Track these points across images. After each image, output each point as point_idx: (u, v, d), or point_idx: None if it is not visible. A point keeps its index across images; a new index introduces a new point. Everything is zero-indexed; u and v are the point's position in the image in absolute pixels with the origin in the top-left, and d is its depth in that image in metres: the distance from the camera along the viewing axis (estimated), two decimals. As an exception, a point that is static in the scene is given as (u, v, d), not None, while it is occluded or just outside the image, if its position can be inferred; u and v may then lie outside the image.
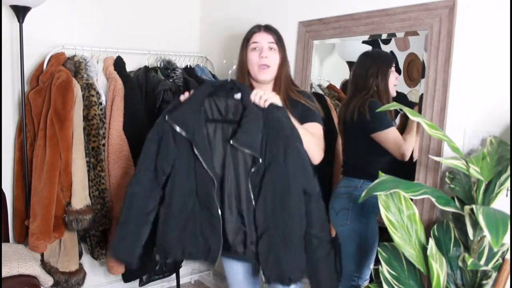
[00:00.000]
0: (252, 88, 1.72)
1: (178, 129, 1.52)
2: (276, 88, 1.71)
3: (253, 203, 1.51)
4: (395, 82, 1.88)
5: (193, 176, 1.56)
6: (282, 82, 1.70)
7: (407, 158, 1.80)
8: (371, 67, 1.90)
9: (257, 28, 1.71)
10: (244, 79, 1.72)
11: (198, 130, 1.52)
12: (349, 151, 2.03)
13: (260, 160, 1.47)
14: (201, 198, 1.56)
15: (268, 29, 1.71)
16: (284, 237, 1.50)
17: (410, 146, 1.81)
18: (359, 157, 1.96)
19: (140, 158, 1.62)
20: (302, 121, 1.63)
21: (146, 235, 1.64)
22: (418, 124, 1.51)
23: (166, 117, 1.54)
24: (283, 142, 1.47)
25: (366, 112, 1.83)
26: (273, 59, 1.68)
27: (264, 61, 1.66)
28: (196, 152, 1.51)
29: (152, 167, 1.58)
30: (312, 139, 1.58)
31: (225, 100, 1.55)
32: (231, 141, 1.47)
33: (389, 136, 1.84)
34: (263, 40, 1.68)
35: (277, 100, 1.52)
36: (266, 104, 1.49)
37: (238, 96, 1.54)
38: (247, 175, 1.51)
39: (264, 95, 1.50)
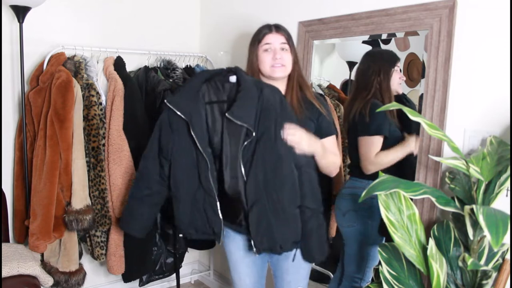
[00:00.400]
0: None
1: (176, 111, 1.61)
2: (289, 86, 1.73)
3: (244, 177, 1.57)
4: (400, 81, 1.86)
5: (194, 158, 1.65)
6: (295, 80, 1.73)
7: (367, 172, 1.80)
8: (372, 65, 1.89)
9: (268, 29, 1.71)
10: (254, 76, 1.73)
11: (194, 112, 1.62)
12: (353, 152, 1.99)
13: (254, 134, 1.54)
14: (201, 179, 1.64)
15: (279, 29, 1.72)
16: (276, 207, 1.57)
17: (378, 163, 1.79)
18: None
19: (148, 145, 1.76)
20: (322, 134, 1.68)
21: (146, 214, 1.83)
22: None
23: (165, 100, 1.64)
24: (274, 117, 1.55)
25: (367, 114, 1.82)
26: (287, 58, 1.70)
27: (279, 62, 1.68)
28: (192, 133, 1.60)
29: (155, 154, 1.73)
30: (334, 161, 1.68)
31: (221, 84, 1.65)
32: (227, 114, 1.55)
33: (365, 142, 1.82)
34: (276, 41, 1.69)
35: (306, 145, 1.57)
36: (297, 150, 1.57)
37: (233, 79, 1.64)
38: (240, 148, 1.57)
39: (296, 137, 1.55)
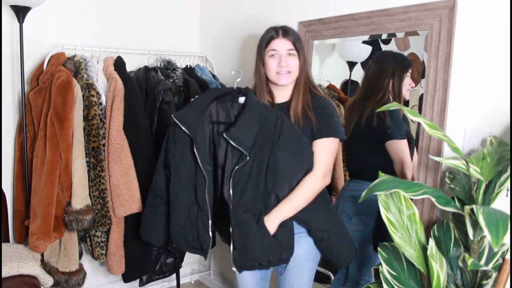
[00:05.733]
0: (270, 91, 1.73)
1: (182, 126, 1.62)
2: (296, 91, 1.68)
3: (231, 199, 1.56)
4: (409, 87, 1.82)
5: (193, 173, 1.66)
6: (302, 85, 1.67)
7: (407, 176, 1.76)
8: (387, 66, 1.84)
9: (275, 33, 1.65)
10: (262, 83, 1.71)
11: (199, 129, 1.62)
12: (360, 154, 1.96)
13: (248, 157, 1.52)
14: (197, 195, 1.65)
15: (286, 33, 1.65)
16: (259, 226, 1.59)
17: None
18: (373, 160, 1.89)
19: (158, 157, 1.82)
20: (316, 136, 1.64)
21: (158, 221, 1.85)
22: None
23: (172, 115, 1.65)
24: (272, 144, 1.56)
25: (387, 117, 1.77)
26: (293, 64, 1.65)
27: (284, 69, 1.63)
28: (194, 150, 1.60)
29: (162, 167, 1.79)
30: (308, 195, 1.61)
31: (230, 104, 1.66)
32: (224, 134, 1.55)
33: (404, 146, 1.77)
34: (282, 47, 1.64)
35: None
36: None
37: (242, 100, 1.64)
38: (231, 171, 1.57)
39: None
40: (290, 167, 1.58)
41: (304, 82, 1.68)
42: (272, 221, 1.57)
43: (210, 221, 1.65)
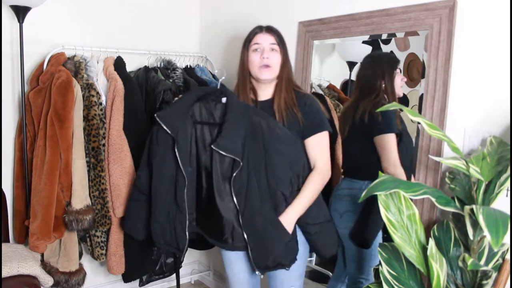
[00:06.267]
0: (253, 87, 1.74)
1: (164, 126, 1.63)
2: (278, 88, 1.73)
3: (236, 206, 1.59)
4: (401, 84, 1.86)
5: (174, 174, 1.68)
6: (284, 83, 1.72)
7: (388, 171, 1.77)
8: (376, 69, 1.88)
9: (259, 29, 1.72)
10: (245, 79, 1.75)
11: (182, 129, 1.64)
12: (353, 152, 1.99)
13: (241, 163, 1.55)
14: (177, 195, 1.68)
15: (270, 30, 1.72)
16: (273, 230, 1.61)
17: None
18: (365, 158, 1.93)
19: (143, 154, 1.85)
20: (307, 133, 1.69)
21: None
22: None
23: (155, 114, 1.67)
24: (263, 144, 1.58)
25: (379, 114, 1.80)
26: (275, 59, 1.70)
27: (265, 62, 1.68)
28: (176, 150, 1.63)
29: (145, 164, 1.80)
30: (316, 192, 1.68)
31: (214, 104, 1.67)
32: (212, 146, 1.58)
33: (388, 139, 1.80)
34: (265, 41, 1.69)
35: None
36: None
37: (224, 100, 1.66)
38: (228, 179, 1.59)
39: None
40: (287, 163, 1.61)
41: (286, 79, 1.72)
42: (290, 221, 1.62)
43: (187, 222, 1.69)
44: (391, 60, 1.88)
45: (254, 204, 1.58)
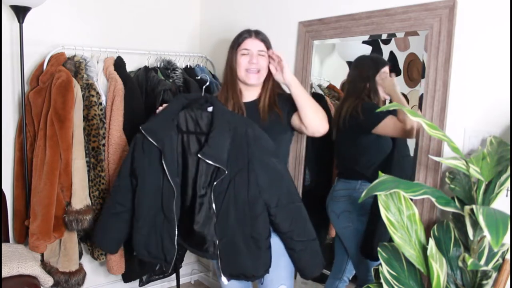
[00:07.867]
0: (239, 91, 1.79)
1: (150, 139, 1.62)
2: (264, 89, 1.78)
3: (215, 212, 1.59)
4: (391, 81, 1.86)
5: (160, 184, 1.65)
6: (269, 84, 1.78)
7: (413, 135, 1.75)
8: (359, 71, 1.94)
9: (248, 34, 1.76)
10: (234, 81, 1.77)
11: (168, 141, 1.63)
12: (344, 153, 2.03)
13: (226, 172, 1.55)
14: (164, 206, 1.66)
15: (259, 35, 1.76)
16: (248, 241, 1.60)
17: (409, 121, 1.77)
18: (354, 158, 1.96)
19: (122, 163, 1.79)
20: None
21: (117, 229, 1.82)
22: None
23: (140, 127, 1.65)
24: (247, 154, 1.58)
25: (360, 114, 1.84)
26: (263, 64, 1.75)
27: (256, 67, 1.73)
28: (163, 162, 1.61)
29: (127, 173, 1.75)
30: (318, 107, 1.67)
31: (199, 113, 1.66)
32: (199, 155, 1.57)
33: (387, 123, 1.80)
34: (254, 47, 1.74)
35: (289, 71, 1.68)
36: (282, 70, 1.68)
37: (210, 109, 1.65)
38: (211, 186, 1.59)
39: (284, 62, 1.68)
40: (270, 173, 1.60)
41: (271, 82, 1.78)
42: (291, 77, 1.68)
43: (176, 232, 1.66)
44: (374, 62, 1.91)
45: (229, 213, 1.59)
